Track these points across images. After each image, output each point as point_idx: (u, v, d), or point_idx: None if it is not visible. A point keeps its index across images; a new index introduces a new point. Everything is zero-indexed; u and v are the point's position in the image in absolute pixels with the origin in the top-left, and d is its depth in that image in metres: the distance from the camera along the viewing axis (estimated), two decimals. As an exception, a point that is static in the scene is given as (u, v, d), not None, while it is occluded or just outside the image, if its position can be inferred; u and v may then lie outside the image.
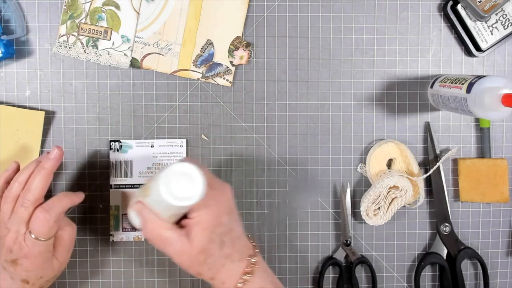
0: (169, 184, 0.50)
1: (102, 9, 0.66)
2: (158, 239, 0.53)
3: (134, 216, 0.56)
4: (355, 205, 0.70)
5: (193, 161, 0.52)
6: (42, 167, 0.58)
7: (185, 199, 0.50)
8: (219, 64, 0.68)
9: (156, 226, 0.52)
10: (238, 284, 0.53)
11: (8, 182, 0.59)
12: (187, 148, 0.69)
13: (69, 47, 0.67)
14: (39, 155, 0.67)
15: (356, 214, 0.70)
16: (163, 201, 0.50)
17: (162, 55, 0.68)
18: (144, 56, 0.67)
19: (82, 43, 0.67)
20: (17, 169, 0.61)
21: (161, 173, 0.50)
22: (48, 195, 0.67)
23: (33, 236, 0.56)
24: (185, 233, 0.52)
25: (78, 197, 0.60)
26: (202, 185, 0.51)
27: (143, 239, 0.68)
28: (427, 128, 0.70)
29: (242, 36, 0.68)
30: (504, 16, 0.67)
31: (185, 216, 0.54)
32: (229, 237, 0.54)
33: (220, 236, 0.53)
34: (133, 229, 0.68)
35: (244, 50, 0.68)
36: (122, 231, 0.68)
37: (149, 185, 0.54)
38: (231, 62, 0.68)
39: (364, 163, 0.70)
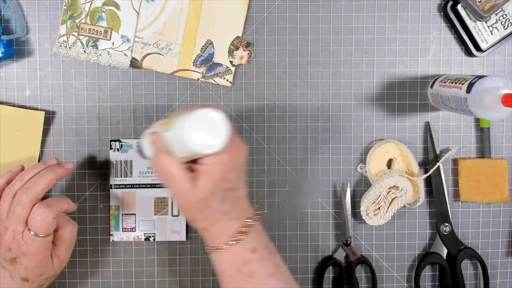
0: (194, 128, 0.49)
1: (102, 9, 0.66)
2: (165, 173, 0.52)
3: (146, 145, 0.56)
4: (355, 205, 0.70)
5: (220, 110, 0.51)
6: (53, 170, 0.58)
7: (205, 146, 0.49)
8: (219, 64, 0.68)
9: (166, 160, 0.52)
10: (230, 242, 0.53)
11: (8, 183, 0.59)
12: (187, 148, 0.69)
13: (69, 47, 0.67)
14: (39, 155, 0.67)
15: (356, 214, 0.70)
16: (182, 141, 0.49)
17: (162, 55, 0.68)
18: (144, 56, 0.67)
19: (82, 43, 0.67)
20: (21, 171, 0.61)
21: (189, 115, 0.49)
22: (46, 195, 0.67)
23: (32, 232, 0.56)
24: (192, 177, 0.52)
25: (74, 206, 0.61)
26: (225, 137, 0.50)
27: (143, 239, 0.68)
28: (427, 128, 0.70)
29: (242, 36, 0.68)
30: (504, 16, 0.67)
31: (196, 160, 0.53)
32: (232, 195, 0.53)
33: (224, 191, 0.53)
34: (133, 229, 0.68)
35: (244, 50, 0.68)
36: (122, 231, 0.68)
37: (172, 120, 0.52)
38: (231, 62, 0.68)
39: (364, 163, 0.70)
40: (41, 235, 0.56)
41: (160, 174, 0.54)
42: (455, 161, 0.70)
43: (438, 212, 0.70)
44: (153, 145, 0.54)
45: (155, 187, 0.68)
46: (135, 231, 0.68)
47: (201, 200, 0.52)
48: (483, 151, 0.69)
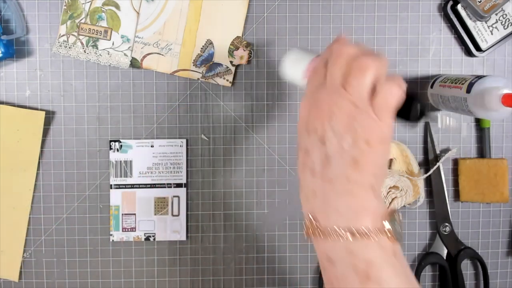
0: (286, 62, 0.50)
1: (102, 9, 0.66)
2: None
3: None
4: (355, 205, 0.70)
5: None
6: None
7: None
8: (219, 64, 0.68)
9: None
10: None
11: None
12: (187, 148, 0.69)
13: (69, 47, 0.67)
14: (39, 155, 0.67)
15: (356, 214, 0.70)
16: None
17: (162, 55, 0.68)
18: (144, 56, 0.67)
19: (82, 43, 0.67)
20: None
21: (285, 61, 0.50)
22: (46, 195, 0.68)
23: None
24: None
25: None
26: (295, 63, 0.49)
27: (143, 239, 0.68)
28: (427, 128, 0.70)
29: (242, 36, 0.68)
30: (504, 16, 0.67)
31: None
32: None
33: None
34: (133, 229, 0.68)
35: (244, 50, 0.68)
36: (122, 231, 0.68)
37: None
38: (231, 62, 0.68)
39: (364, 163, 0.70)
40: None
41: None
42: (455, 161, 0.70)
43: (438, 212, 0.70)
44: None
45: (155, 187, 0.68)
46: (135, 231, 0.68)
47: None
48: (483, 151, 0.69)
